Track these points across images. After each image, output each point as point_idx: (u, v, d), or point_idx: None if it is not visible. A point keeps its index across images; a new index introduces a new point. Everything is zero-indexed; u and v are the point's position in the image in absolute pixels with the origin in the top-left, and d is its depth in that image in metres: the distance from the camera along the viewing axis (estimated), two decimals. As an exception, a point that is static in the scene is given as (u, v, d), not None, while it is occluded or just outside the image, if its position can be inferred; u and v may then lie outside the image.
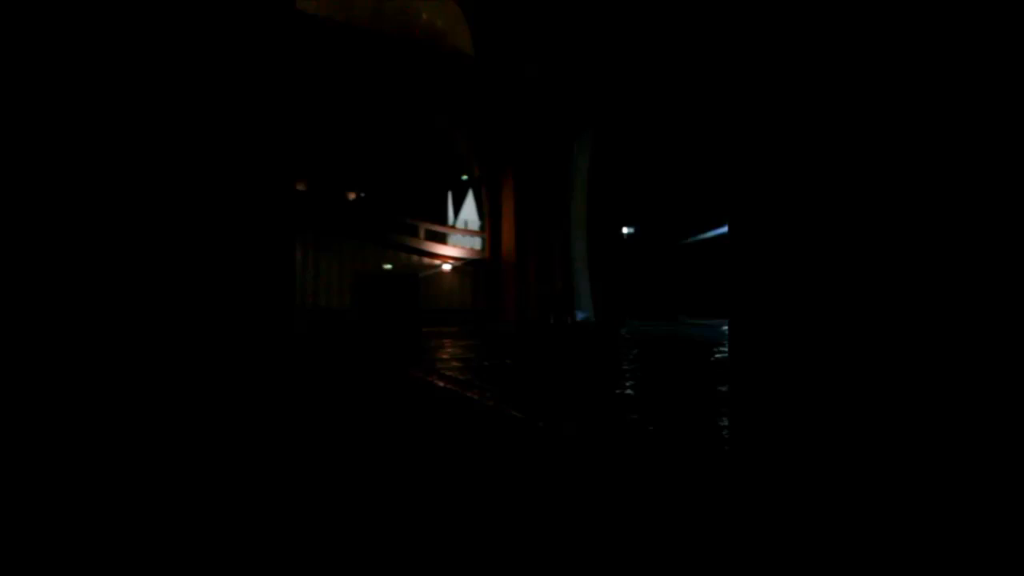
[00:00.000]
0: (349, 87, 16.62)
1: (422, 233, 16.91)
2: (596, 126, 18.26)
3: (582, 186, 18.09)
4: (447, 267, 17.40)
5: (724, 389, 5.35)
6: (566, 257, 17.73)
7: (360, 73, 16.59)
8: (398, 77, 16.62)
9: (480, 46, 15.30)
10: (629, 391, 5.30)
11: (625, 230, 20.24)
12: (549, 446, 3.25)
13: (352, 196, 17.42)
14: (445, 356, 9.35)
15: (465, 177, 18.63)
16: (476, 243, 18.15)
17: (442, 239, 17.69)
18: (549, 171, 17.27)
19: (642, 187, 20.77)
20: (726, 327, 13.88)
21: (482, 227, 18.10)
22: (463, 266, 17.53)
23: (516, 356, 8.70)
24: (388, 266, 17.00)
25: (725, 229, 19.84)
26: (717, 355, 8.35)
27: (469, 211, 18.77)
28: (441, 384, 6.11)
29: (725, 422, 3.66)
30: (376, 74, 16.58)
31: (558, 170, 17.56)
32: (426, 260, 17.22)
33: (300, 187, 16.80)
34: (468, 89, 16.30)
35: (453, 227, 18.32)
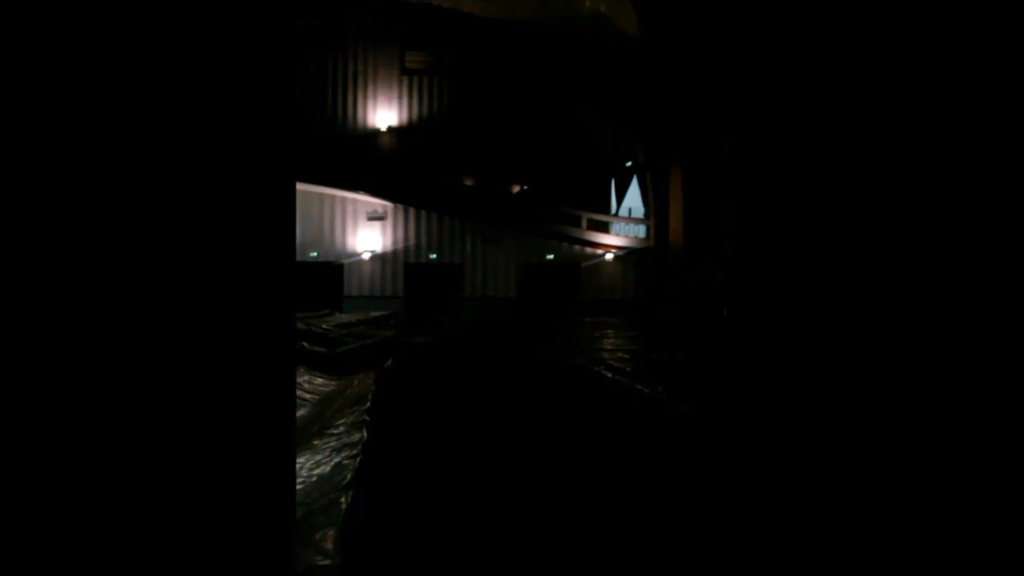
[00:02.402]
0: (512, 82, 17.13)
1: (584, 223, 16.85)
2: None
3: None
4: (609, 256, 17.13)
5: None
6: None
7: (523, 67, 16.99)
8: (560, 68, 16.67)
9: (646, 26, 14.67)
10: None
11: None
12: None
13: (517, 189, 17.98)
14: (609, 347, 9.15)
15: (629, 164, 18.11)
16: (640, 231, 17.59)
17: (604, 228, 17.46)
18: (719, 157, 16.02)
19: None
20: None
21: (647, 215, 17.46)
22: (626, 255, 17.09)
23: (685, 349, 8.23)
24: (551, 256, 17.25)
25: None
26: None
27: (633, 199, 18.24)
28: (609, 375, 5.99)
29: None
30: (539, 67, 16.83)
31: (727, 156, 16.21)
32: (588, 250, 17.13)
33: (468, 182, 17.81)
34: (633, 73, 15.74)
35: (616, 216, 17.96)
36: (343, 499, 2.99)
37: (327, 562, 2.27)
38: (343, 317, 14.00)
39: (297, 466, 3.85)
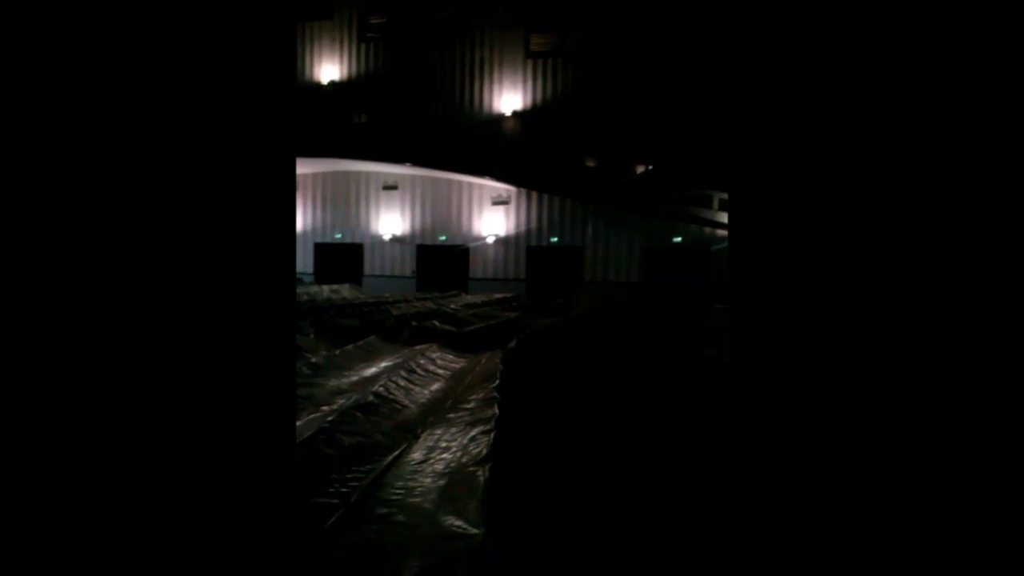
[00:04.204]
0: (638, 58, 16.45)
1: (716, 203, 15.83)
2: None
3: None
4: (743, 239, 15.95)
5: None
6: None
7: (650, 42, 16.24)
8: (688, 42, 15.68)
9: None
10: None
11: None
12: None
13: (641, 169, 17.35)
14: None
15: (767, 138, 16.64)
16: (778, 212, 16.15)
17: (737, 209, 16.25)
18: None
19: None
20: None
21: (786, 193, 15.97)
22: (762, 238, 15.79)
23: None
24: (678, 239, 16.47)
25: None
26: None
27: (770, 176, 16.77)
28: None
29: None
30: (667, 41, 15.99)
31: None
32: (719, 232, 16.10)
33: (590, 163, 17.52)
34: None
35: (750, 195, 16.64)
36: (480, 472, 3.10)
37: (474, 531, 2.37)
38: (468, 298, 14.58)
39: (435, 437, 4.07)
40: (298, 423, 4.23)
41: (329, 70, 19.03)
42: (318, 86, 19.03)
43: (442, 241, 18.15)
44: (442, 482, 3.09)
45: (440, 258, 18.14)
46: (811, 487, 2.20)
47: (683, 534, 2.52)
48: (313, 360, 6.20)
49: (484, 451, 3.43)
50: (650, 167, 17.19)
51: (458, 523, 2.48)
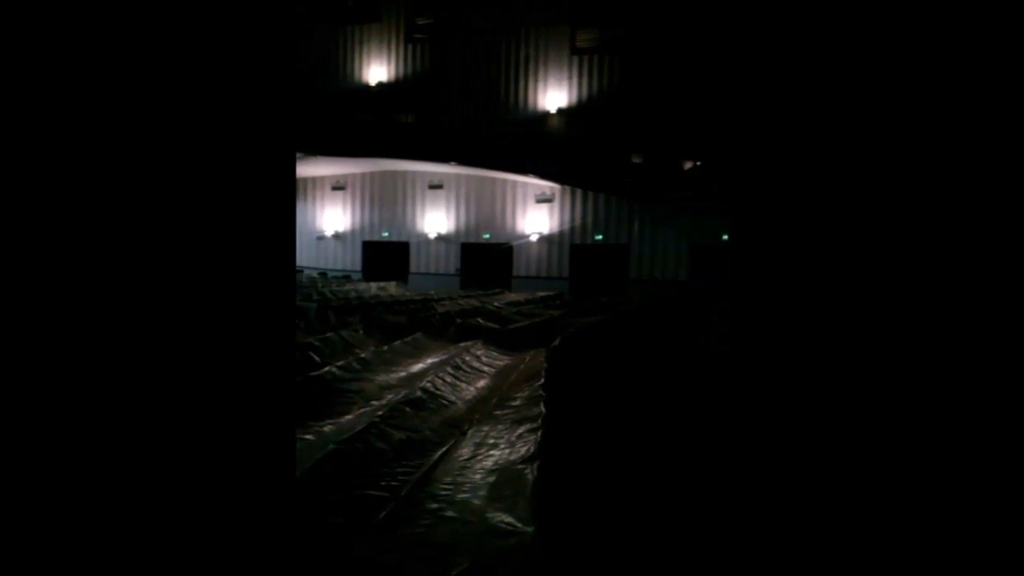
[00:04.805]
0: (687, 52, 16.06)
1: (767, 200, 15.30)
2: None
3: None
4: (796, 237, 15.37)
5: None
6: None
7: (699, 35, 15.83)
8: (730, 39, 15.18)
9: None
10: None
11: None
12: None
13: (689, 165, 16.95)
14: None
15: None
16: (835, 209, 15.47)
17: (791, 206, 15.67)
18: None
19: None
20: None
21: (844, 189, 15.29)
22: (817, 236, 15.17)
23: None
24: (727, 236, 16.01)
25: None
26: None
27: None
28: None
29: None
30: (715, 33, 15.54)
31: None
32: (771, 230, 15.55)
33: (636, 160, 17.24)
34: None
35: (805, 191, 16.00)
36: (528, 470, 3.10)
37: (525, 528, 2.37)
38: (512, 296, 14.62)
39: (482, 434, 4.10)
40: (349, 416, 4.34)
41: (377, 71, 19.43)
42: (367, 87, 19.46)
43: (486, 239, 18.26)
44: (491, 479, 3.11)
45: (484, 256, 18.26)
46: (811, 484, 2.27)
47: (732, 540, 2.44)
48: (362, 355, 6.35)
49: (532, 449, 3.43)
50: (698, 163, 16.77)
51: (508, 519, 2.49)
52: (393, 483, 3.08)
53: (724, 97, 15.85)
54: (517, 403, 4.96)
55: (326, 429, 4.00)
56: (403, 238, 19.28)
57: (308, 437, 3.79)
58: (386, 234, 19.50)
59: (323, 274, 18.09)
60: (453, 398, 5.05)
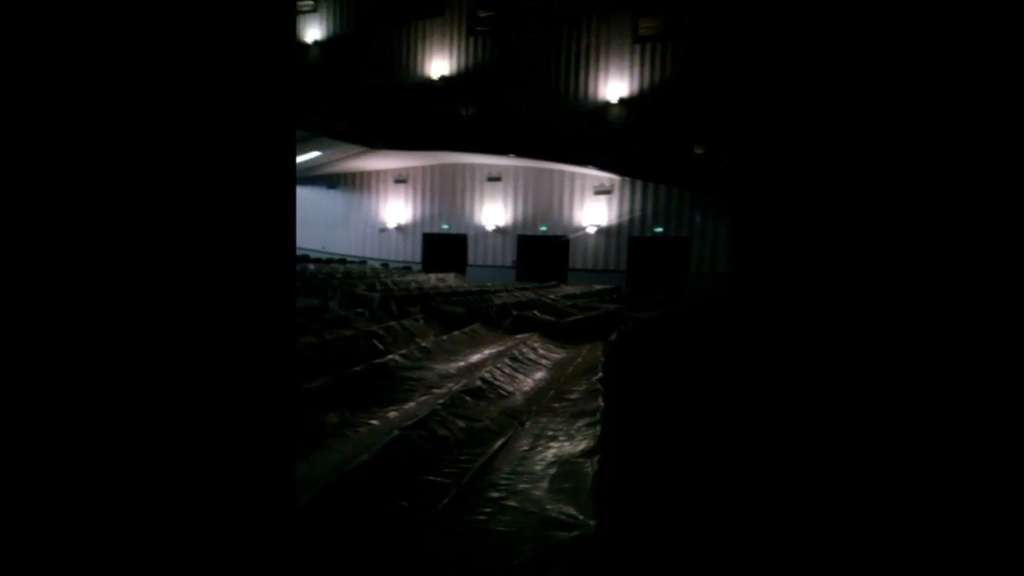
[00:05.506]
0: (745, 42, 15.33)
1: (841, 192, 14.48)
2: None
3: None
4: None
5: None
6: None
7: (757, 26, 15.06)
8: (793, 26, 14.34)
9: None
10: None
11: None
12: None
13: (698, 151, 16.22)
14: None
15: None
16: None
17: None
18: None
19: None
20: None
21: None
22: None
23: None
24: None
25: None
26: None
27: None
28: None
29: None
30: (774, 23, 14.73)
31: None
32: (845, 223, 14.72)
33: (698, 151, 16.66)
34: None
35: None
36: (588, 464, 3.11)
37: (586, 521, 2.39)
38: (568, 289, 14.56)
39: (540, 426, 4.13)
40: (411, 404, 4.49)
41: (439, 65, 19.71)
42: (429, 81, 19.79)
43: (543, 231, 18.25)
44: (551, 471, 3.14)
45: (540, 248, 18.26)
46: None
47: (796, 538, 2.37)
48: (423, 344, 6.53)
49: (591, 443, 3.43)
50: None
51: (569, 511, 2.52)
52: (455, 470, 3.17)
53: (787, 87, 15.06)
54: (575, 396, 4.96)
55: (391, 415, 4.16)
56: (461, 230, 19.56)
57: (374, 423, 3.95)
58: (446, 226, 19.85)
59: (385, 265, 18.65)
60: (511, 389, 5.12)
